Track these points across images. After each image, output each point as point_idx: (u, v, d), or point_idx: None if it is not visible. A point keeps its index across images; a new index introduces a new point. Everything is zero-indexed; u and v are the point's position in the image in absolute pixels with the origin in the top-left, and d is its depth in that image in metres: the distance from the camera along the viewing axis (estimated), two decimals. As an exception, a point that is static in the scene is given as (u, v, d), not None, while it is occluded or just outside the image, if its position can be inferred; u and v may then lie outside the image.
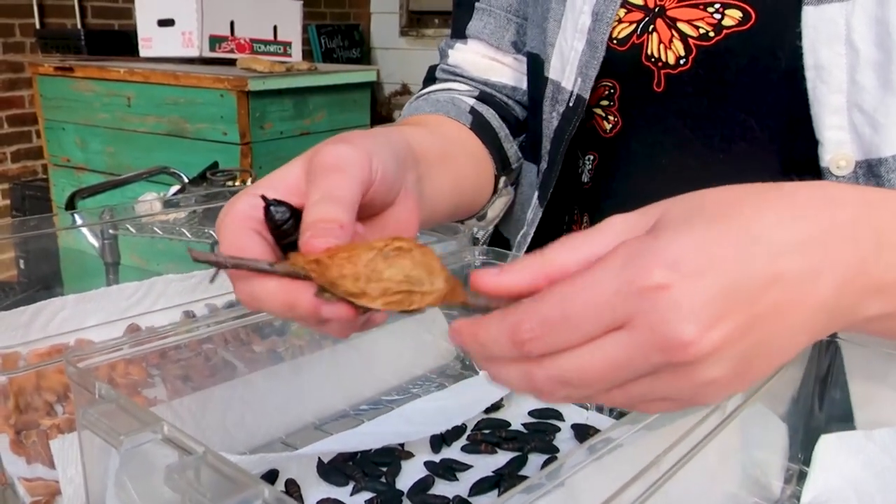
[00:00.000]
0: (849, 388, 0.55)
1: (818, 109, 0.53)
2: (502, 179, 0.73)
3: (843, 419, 0.57)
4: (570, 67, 0.63)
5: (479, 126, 0.71)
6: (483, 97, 0.73)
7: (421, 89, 0.77)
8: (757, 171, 0.58)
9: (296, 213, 0.37)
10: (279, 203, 0.37)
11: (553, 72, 0.65)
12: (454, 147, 0.65)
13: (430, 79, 0.77)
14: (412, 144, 0.47)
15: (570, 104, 0.64)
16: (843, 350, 0.56)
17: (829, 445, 0.55)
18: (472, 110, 0.71)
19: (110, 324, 0.80)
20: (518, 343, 0.30)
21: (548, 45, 0.65)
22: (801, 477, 0.57)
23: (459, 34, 0.75)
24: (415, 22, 3.83)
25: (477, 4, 0.73)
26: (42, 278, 1.02)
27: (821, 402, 0.58)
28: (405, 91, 3.69)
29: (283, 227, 0.37)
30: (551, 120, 0.67)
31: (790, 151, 0.57)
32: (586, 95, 0.63)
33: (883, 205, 0.33)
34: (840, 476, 0.55)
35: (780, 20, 0.54)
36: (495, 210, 0.74)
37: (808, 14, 0.52)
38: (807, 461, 0.57)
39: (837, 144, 0.54)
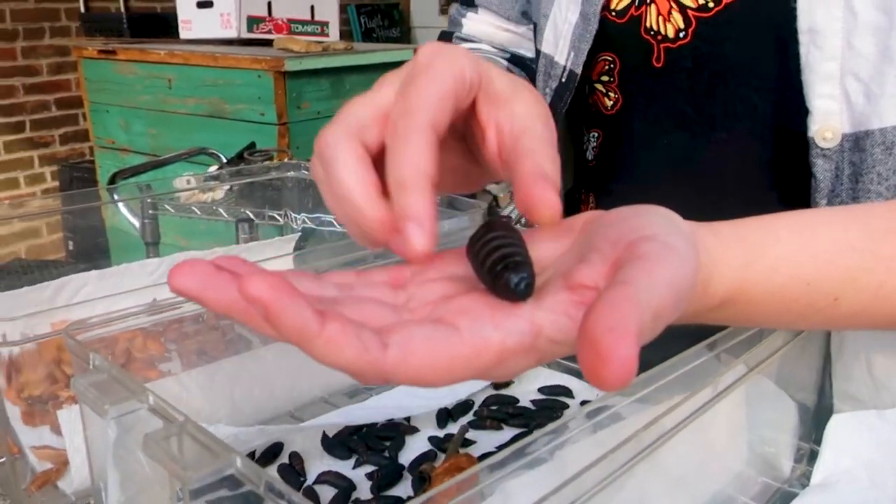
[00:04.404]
0: (832, 364, 0.54)
1: (809, 76, 0.51)
2: None
3: (857, 398, 0.56)
4: (563, 41, 0.62)
5: None
6: (513, 60, 0.71)
7: None
8: (758, 149, 0.56)
9: None
10: None
11: (546, 44, 0.64)
12: None
13: None
14: None
15: (563, 80, 0.63)
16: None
17: (841, 425, 0.54)
18: (510, 70, 0.69)
19: (133, 295, 0.82)
20: None
21: (541, 16, 0.64)
22: (813, 456, 0.56)
23: (469, 2, 0.73)
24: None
25: None
26: (89, 257, 1.05)
27: (832, 380, 0.56)
28: (445, 70, 3.67)
29: None
30: (544, 96, 0.65)
31: (789, 125, 0.55)
32: (578, 70, 0.61)
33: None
34: (852, 456, 0.53)
35: None
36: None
37: None
38: (818, 440, 0.55)
39: (826, 115, 0.51)
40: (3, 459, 0.55)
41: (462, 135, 0.37)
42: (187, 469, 0.32)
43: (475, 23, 0.72)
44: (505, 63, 0.69)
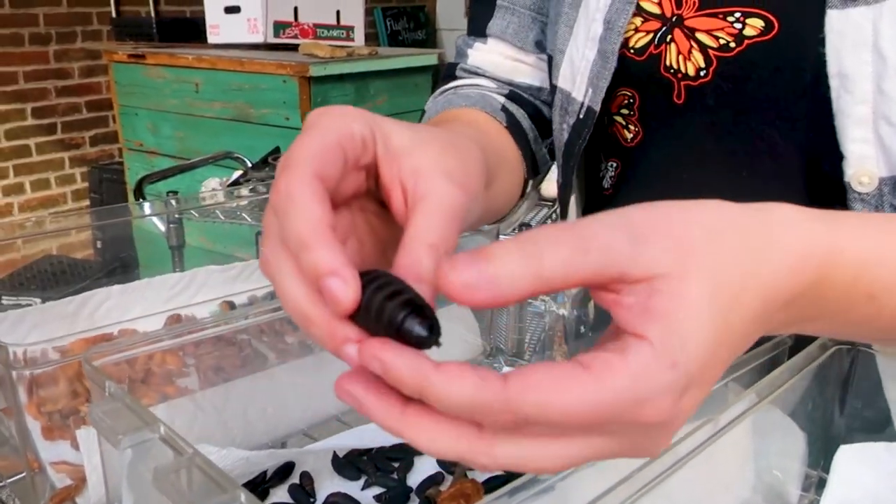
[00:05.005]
0: (886, 397, 0.54)
1: (842, 121, 0.51)
2: (530, 183, 0.71)
3: (867, 429, 0.56)
4: (580, 77, 0.61)
5: (513, 126, 0.68)
6: (512, 96, 0.70)
7: (440, 87, 0.74)
8: (781, 189, 0.56)
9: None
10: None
11: (562, 80, 0.63)
12: (503, 152, 0.64)
13: (450, 76, 0.74)
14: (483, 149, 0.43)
15: (581, 116, 0.62)
16: (878, 359, 0.54)
17: (848, 456, 0.54)
18: (504, 108, 0.68)
19: (156, 313, 0.84)
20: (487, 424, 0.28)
21: (557, 51, 0.63)
22: (821, 485, 0.56)
23: (479, 32, 0.72)
24: (480, 2, 3.81)
25: (499, 2, 0.70)
26: (117, 258, 1.08)
27: (841, 409, 0.56)
28: (470, 72, 3.68)
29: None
30: (562, 132, 0.65)
31: (817, 168, 0.54)
32: (597, 107, 0.61)
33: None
34: (859, 487, 0.53)
35: (804, 28, 0.51)
36: (519, 214, 0.73)
37: (832, 18, 0.49)
38: (827, 468, 0.55)
39: (861, 159, 0.50)
40: (23, 474, 0.56)
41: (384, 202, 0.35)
42: (195, 503, 0.33)
43: (482, 53, 0.71)
44: (501, 101, 0.68)
